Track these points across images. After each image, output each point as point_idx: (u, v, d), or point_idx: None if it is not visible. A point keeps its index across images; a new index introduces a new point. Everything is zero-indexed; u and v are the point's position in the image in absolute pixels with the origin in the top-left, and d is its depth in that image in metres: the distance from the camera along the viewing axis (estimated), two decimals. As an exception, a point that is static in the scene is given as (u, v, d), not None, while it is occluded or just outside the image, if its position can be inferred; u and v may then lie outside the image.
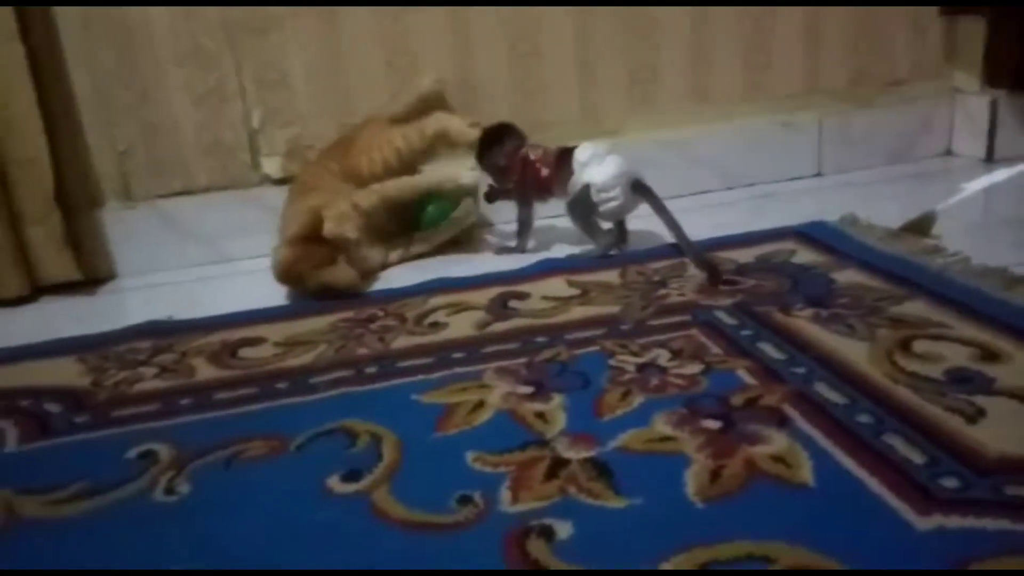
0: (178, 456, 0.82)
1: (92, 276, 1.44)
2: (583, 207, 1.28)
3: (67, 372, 1.05)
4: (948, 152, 1.78)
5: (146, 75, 1.43)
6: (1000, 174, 1.61)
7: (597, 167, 1.26)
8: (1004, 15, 1.59)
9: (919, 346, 0.90)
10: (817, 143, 1.72)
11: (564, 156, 1.30)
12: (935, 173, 1.68)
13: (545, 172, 1.31)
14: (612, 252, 1.30)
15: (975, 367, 0.85)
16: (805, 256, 1.22)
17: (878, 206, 1.47)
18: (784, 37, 1.66)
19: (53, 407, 0.96)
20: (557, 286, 1.20)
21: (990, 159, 1.69)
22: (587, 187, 1.25)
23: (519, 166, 1.34)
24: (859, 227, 1.32)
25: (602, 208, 1.27)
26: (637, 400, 0.84)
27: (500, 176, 1.38)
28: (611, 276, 1.22)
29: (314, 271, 1.22)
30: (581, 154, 1.27)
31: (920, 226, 1.27)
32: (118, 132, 1.44)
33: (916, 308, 1.00)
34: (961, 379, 0.83)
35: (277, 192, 1.51)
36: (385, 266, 1.37)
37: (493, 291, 1.20)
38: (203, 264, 1.50)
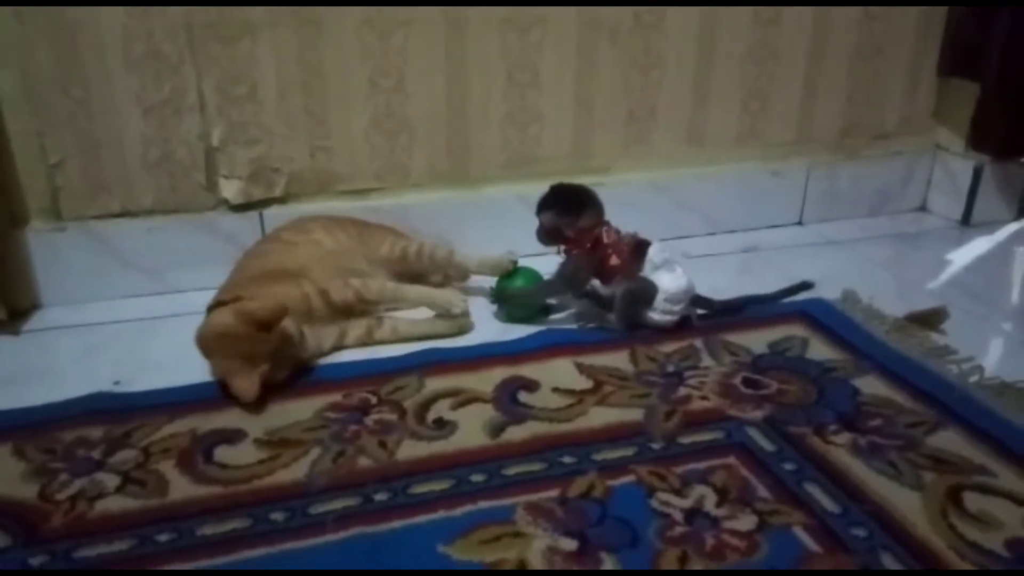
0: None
1: (12, 307, 1.23)
2: (641, 301, 1.21)
3: (6, 473, 0.88)
4: (922, 207, 1.77)
5: (89, 78, 1.21)
6: (981, 243, 1.61)
7: (670, 274, 1.21)
8: (1001, 83, 1.57)
9: (970, 501, 0.86)
10: (803, 193, 1.67)
11: (639, 250, 1.21)
12: (915, 235, 1.66)
13: (615, 261, 1.21)
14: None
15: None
16: (819, 349, 1.17)
17: (868, 274, 1.46)
18: (783, 84, 1.58)
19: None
20: (566, 371, 1.11)
21: (966, 222, 1.69)
22: (654, 286, 1.21)
23: (590, 243, 1.22)
24: (863, 310, 1.28)
25: (659, 316, 1.21)
26: (697, 567, 0.77)
27: (555, 239, 1.24)
28: (621, 359, 1.14)
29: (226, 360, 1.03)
30: (656, 256, 1.22)
31: (929, 320, 1.24)
32: (50, 141, 1.23)
33: (951, 441, 0.97)
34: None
35: (234, 219, 1.33)
36: (337, 348, 1.18)
37: (494, 373, 1.10)
38: (144, 295, 1.32)
